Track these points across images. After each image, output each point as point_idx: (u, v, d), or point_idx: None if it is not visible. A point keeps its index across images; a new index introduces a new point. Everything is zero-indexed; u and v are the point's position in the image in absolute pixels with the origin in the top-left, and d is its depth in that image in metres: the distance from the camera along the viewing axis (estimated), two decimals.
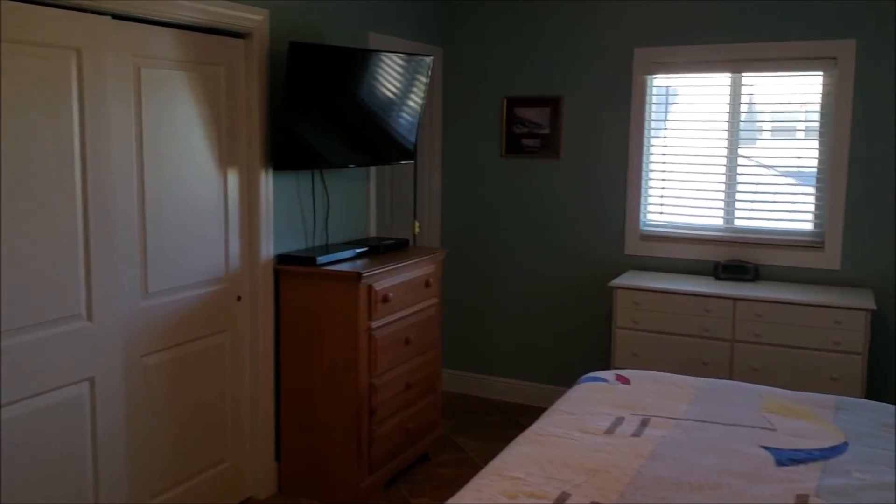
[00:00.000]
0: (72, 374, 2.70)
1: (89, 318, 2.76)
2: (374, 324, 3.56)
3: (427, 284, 3.98)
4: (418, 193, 5.05)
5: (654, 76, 4.50)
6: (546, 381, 4.89)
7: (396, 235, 4.72)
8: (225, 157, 3.36)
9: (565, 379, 4.56)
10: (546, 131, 4.79)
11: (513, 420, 4.66)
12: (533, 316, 4.91)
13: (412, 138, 4.19)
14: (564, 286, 4.81)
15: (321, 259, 3.56)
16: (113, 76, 2.80)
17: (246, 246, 3.51)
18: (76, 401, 2.73)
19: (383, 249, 3.96)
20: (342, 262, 3.65)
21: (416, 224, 5.05)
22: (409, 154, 4.23)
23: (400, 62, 3.92)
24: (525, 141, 4.85)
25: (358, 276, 3.43)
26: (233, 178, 3.41)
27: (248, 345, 3.55)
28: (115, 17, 2.78)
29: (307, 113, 3.52)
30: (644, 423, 2.66)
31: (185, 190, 3.17)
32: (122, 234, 2.89)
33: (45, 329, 2.61)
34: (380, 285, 3.58)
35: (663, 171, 4.58)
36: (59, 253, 2.63)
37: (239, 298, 3.50)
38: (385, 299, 3.61)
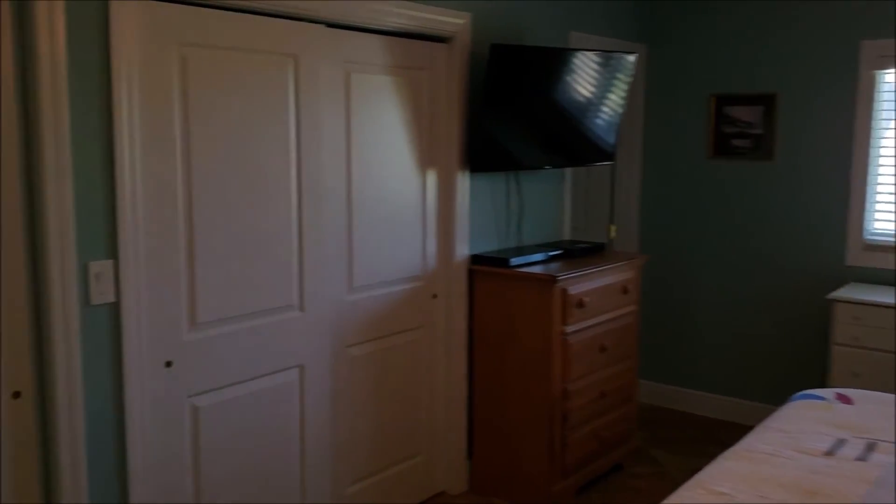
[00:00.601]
0: (285, 361, 2.88)
1: (301, 308, 2.93)
2: (569, 328, 3.50)
3: (625, 291, 3.86)
4: (615, 196, 4.93)
5: (885, 71, 4.09)
6: (750, 398, 4.59)
7: (591, 239, 4.62)
8: (425, 159, 3.44)
9: (772, 396, 4.26)
10: (758, 131, 4.50)
11: (712, 436, 4.41)
12: (737, 328, 4.63)
13: (611, 139, 4.09)
14: (774, 297, 4.49)
15: (514, 261, 3.56)
16: (325, 81, 2.95)
17: (442, 245, 3.57)
18: (288, 386, 2.91)
19: (578, 253, 3.89)
20: (535, 264, 3.63)
21: (613, 228, 4.92)
22: (608, 155, 4.13)
23: (601, 61, 3.83)
24: (735, 141, 4.58)
25: (552, 280, 3.39)
26: (431, 179, 3.49)
27: (443, 342, 3.62)
28: (329, 25, 2.93)
29: (505, 114, 3.53)
30: (870, 447, 2.41)
31: (388, 190, 3.28)
32: (331, 230, 3.03)
33: (265, 317, 2.79)
34: (575, 289, 3.52)
35: (893, 175, 4.15)
36: (277, 247, 2.81)
37: (434, 296, 3.57)
38: (580, 304, 3.54)
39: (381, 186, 3.25)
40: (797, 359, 4.41)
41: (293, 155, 2.84)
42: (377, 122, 3.19)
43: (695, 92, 4.68)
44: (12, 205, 2.14)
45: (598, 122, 3.97)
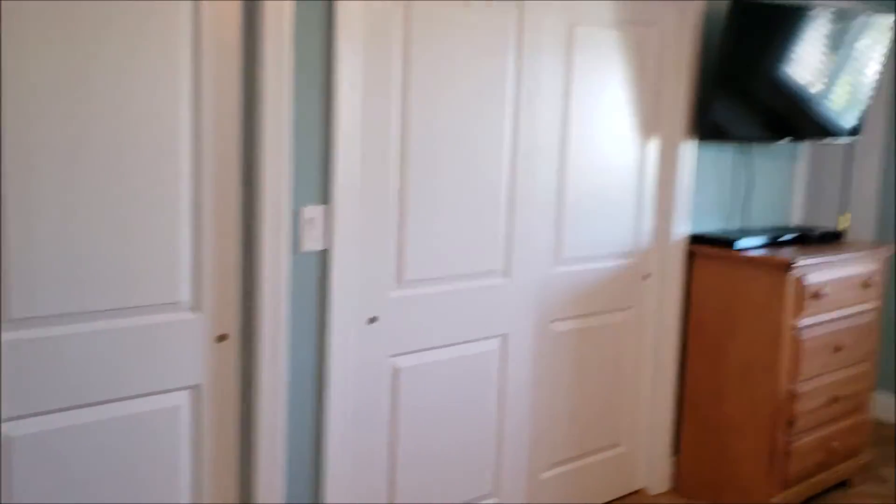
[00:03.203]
0: (487, 328, 2.70)
1: (506, 274, 2.74)
2: (801, 322, 3.09)
3: (866, 285, 3.37)
4: (851, 180, 4.36)
5: None
6: None
7: (818, 222, 4.12)
8: (647, 125, 3.14)
9: None
10: None
11: None
12: None
13: (857, 111, 3.58)
14: None
15: (741, 243, 3.18)
16: (548, 33, 2.73)
17: (659, 221, 3.26)
18: (489, 355, 2.73)
19: (813, 239, 3.44)
20: (764, 247, 3.23)
21: (846, 217, 4.37)
22: (854, 130, 3.63)
23: (854, 22, 3.35)
24: None
25: (787, 266, 2.99)
26: (653, 147, 3.19)
27: (653, 328, 3.31)
28: None
29: (741, 79, 3.15)
30: None
31: (605, 156, 3.02)
32: (541, 196, 2.82)
33: (470, 280, 2.63)
34: (811, 279, 3.09)
35: None
36: (486, 208, 2.63)
37: (645, 277, 3.27)
38: (816, 296, 3.11)
39: (598, 152, 2.99)
40: None
41: (509, 112, 2.64)
42: (598, 82, 2.94)
43: None
44: (229, 143, 2.09)
45: (846, 92, 3.49)
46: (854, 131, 3.61)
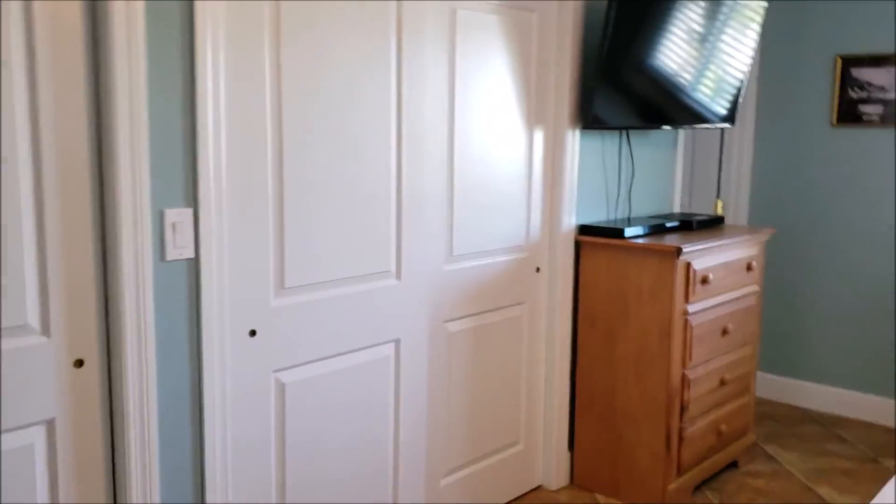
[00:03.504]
0: (380, 334, 2.53)
1: (398, 275, 2.58)
2: (692, 308, 3.09)
3: (749, 268, 3.42)
4: (724, 167, 4.47)
5: None
6: (875, 391, 4.11)
7: (693, 210, 4.19)
8: (534, 114, 3.06)
9: None
10: (891, 96, 3.99)
11: (832, 432, 3.96)
12: (863, 316, 4.14)
13: (729, 98, 3.63)
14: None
15: (630, 231, 3.15)
16: (431, 16, 2.58)
17: (548, 213, 3.19)
18: (383, 363, 2.56)
19: (696, 226, 3.47)
20: (652, 235, 3.22)
21: (719, 203, 4.48)
22: (730, 116, 3.68)
23: (725, 9, 3.38)
24: (863, 107, 4.08)
25: (676, 252, 2.98)
26: (539, 137, 3.11)
27: (546, 320, 3.24)
28: None
29: (622, 69, 3.12)
30: None
31: (492, 149, 2.91)
32: (431, 192, 2.68)
33: (358, 284, 2.45)
34: (699, 264, 3.10)
35: None
36: (374, 208, 2.45)
37: (538, 270, 3.19)
38: (704, 280, 3.12)
39: (486, 143, 2.88)
40: None
41: (393, 104, 2.48)
42: (483, 70, 2.82)
43: (818, 51, 4.18)
44: (77, 142, 1.82)
45: (717, 79, 3.53)
46: (727, 118, 3.67)
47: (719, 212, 4.51)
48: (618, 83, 3.12)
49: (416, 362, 2.66)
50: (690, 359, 3.11)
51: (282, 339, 2.25)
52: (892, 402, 4.03)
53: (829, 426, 4.08)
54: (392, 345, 2.58)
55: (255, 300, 2.18)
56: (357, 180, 2.40)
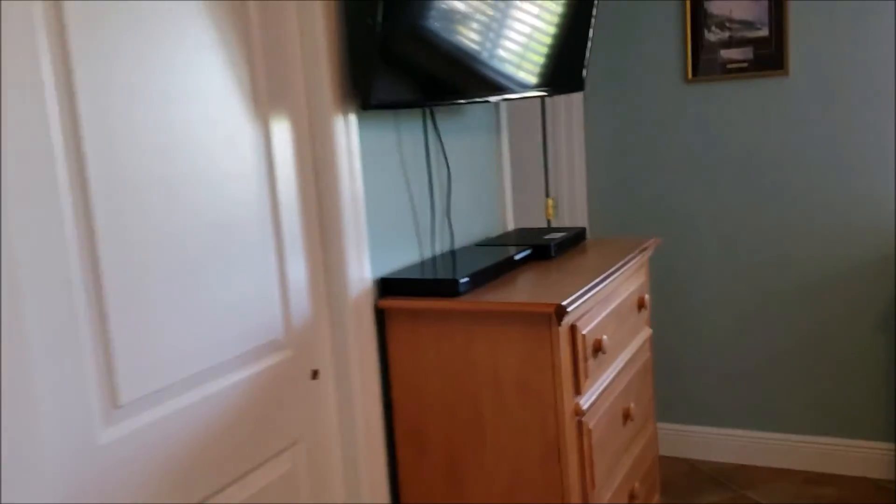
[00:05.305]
0: None
1: None
2: (584, 401, 1.79)
3: (641, 305, 2.20)
4: (550, 155, 3.27)
5: None
6: (789, 430, 3.10)
7: (520, 222, 2.98)
8: (262, 98, 1.59)
9: (823, 426, 2.81)
10: (763, 33, 2.96)
11: (742, 496, 2.90)
12: (755, 334, 3.10)
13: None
14: (805, 284, 2.99)
15: (466, 281, 1.79)
16: None
17: (318, 264, 1.75)
18: None
19: (555, 250, 2.18)
20: (498, 280, 1.89)
21: (550, 202, 3.29)
22: (578, 82, 2.44)
23: None
24: (726, 53, 3.02)
25: (557, 314, 1.66)
26: (281, 132, 1.65)
27: (340, 462, 1.80)
28: None
29: (403, 43, 1.74)
30: None
31: (184, 169, 1.41)
32: (35, 275, 1.14)
33: None
34: (587, 322, 1.81)
35: None
36: None
37: (315, 375, 1.74)
38: (598, 349, 1.84)
39: (168, 163, 1.37)
40: (852, 368, 2.95)
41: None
42: (133, 42, 1.31)
43: None
44: None
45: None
46: (581, 82, 2.42)
47: (550, 214, 3.32)
48: (404, 38, 1.73)
49: None
50: (593, 485, 1.82)
51: None
52: (805, 439, 3.04)
53: (737, 486, 3.01)
54: None
55: None
56: None
